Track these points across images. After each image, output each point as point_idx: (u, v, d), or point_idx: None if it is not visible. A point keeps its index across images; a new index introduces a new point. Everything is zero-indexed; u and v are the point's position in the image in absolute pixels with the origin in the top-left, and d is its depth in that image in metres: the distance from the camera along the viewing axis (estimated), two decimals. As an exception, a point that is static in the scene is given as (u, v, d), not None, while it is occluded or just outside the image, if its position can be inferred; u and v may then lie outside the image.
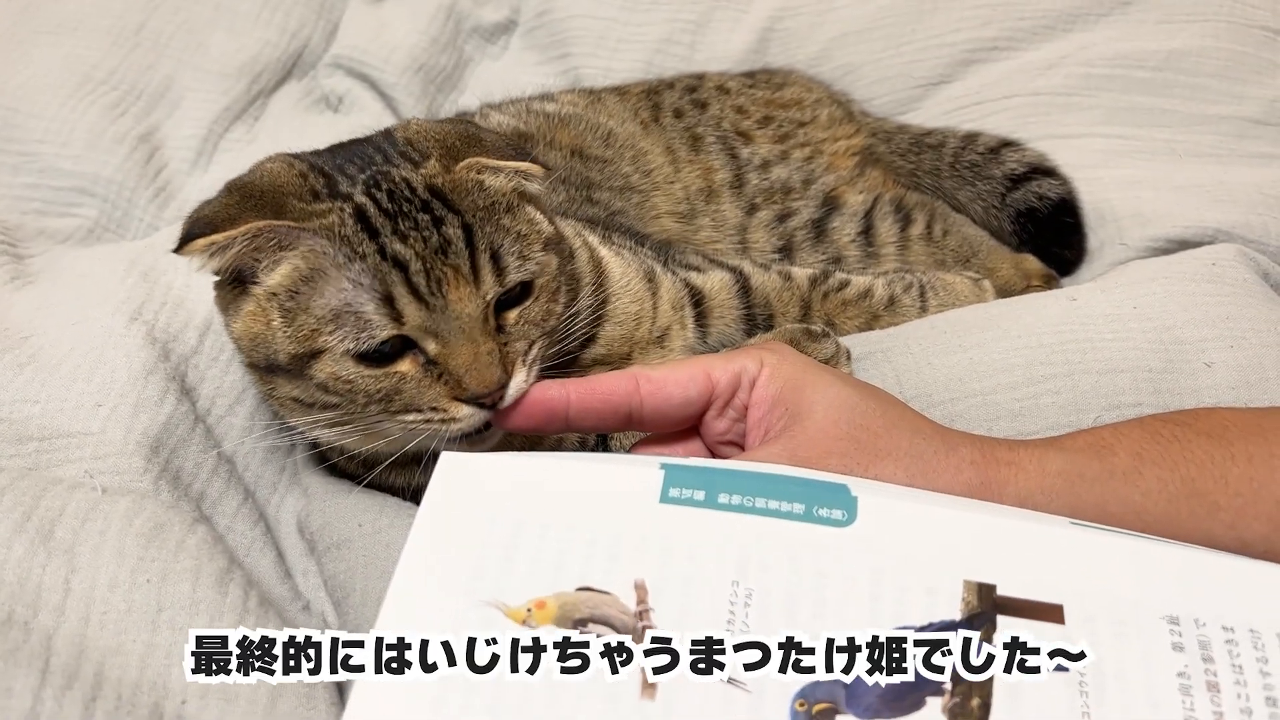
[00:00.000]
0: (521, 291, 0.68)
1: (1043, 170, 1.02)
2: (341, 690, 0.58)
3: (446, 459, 0.60)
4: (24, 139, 1.16)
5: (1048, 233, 0.98)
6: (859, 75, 1.24)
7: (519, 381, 0.66)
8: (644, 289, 0.84)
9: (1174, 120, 1.11)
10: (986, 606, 0.52)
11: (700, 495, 0.57)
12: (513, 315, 0.67)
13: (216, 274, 0.67)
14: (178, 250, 0.65)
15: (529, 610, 0.52)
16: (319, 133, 1.22)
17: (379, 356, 0.64)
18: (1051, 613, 0.52)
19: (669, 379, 0.64)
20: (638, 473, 0.59)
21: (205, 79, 1.27)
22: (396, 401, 0.65)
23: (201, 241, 0.63)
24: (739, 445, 0.65)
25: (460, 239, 0.64)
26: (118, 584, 0.56)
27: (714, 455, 0.67)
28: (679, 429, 0.67)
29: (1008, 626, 0.52)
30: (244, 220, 0.63)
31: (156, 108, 1.24)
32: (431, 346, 0.64)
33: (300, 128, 1.27)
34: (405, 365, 0.64)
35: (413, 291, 0.63)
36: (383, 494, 0.77)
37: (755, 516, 0.56)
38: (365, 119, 1.25)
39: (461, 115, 1.18)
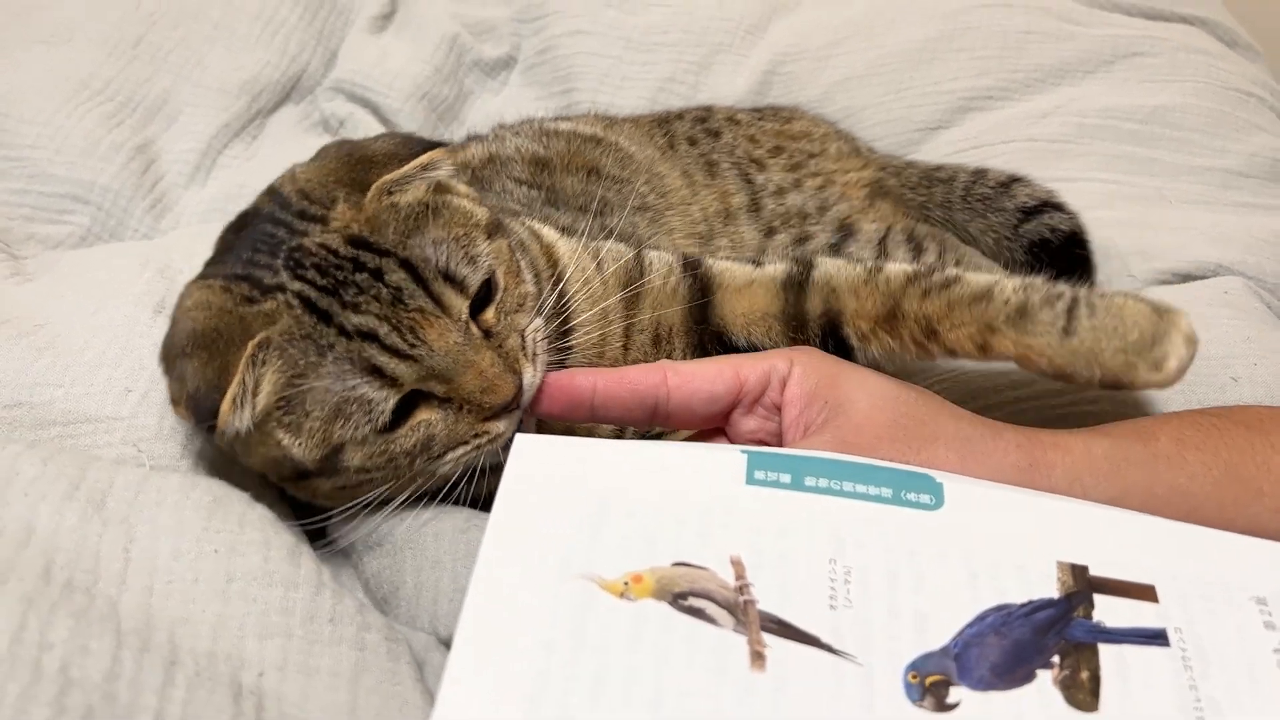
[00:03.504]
0: (488, 289, 0.66)
1: (1053, 205, 1.06)
2: (422, 666, 0.55)
3: (522, 439, 0.58)
4: (14, 144, 1.12)
5: (1060, 263, 1.01)
6: (860, 118, 1.27)
7: (530, 375, 0.65)
8: (592, 268, 0.79)
9: (1162, 170, 1.16)
10: (1082, 586, 0.53)
11: (786, 478, 0.57)
12: (490, 314, 0.66)
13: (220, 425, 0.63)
14: (213, 429, 0.62)
15: (625, 584, 0.51)
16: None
17: (397, 420, 0.63)
18: (1145, 592, 0.53)
19: (697, 373, 0.64)
20: (719, 456, 0.58)
21: (204, 94, 1.25)
22: (435, 447, 0.64)
23: (226, 404, 0.60)
24: (769, 445, 0.65)
25: (407, 279, 0.62)
26: (181, 554, 0.53)
27: None
28: (705, 426, 0.67)
29: (1105, 605, 0.52)
30: (232, 362, 0.60)
31: (154, 120, 1.21)
32: (439, 388, 0.63)
33: (301, 149, 1.24)
34: (425, 413, 0.63)
35: (393, 352, 0.61)
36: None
37: (845, 499, 0.56)
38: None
39: (473, 136, 1.18)
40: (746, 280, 0.76)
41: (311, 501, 0.70)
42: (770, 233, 1.05)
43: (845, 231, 1.05)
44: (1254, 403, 0.79)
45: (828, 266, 0.74)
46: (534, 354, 0.67)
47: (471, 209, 0.68)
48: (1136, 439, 0.61)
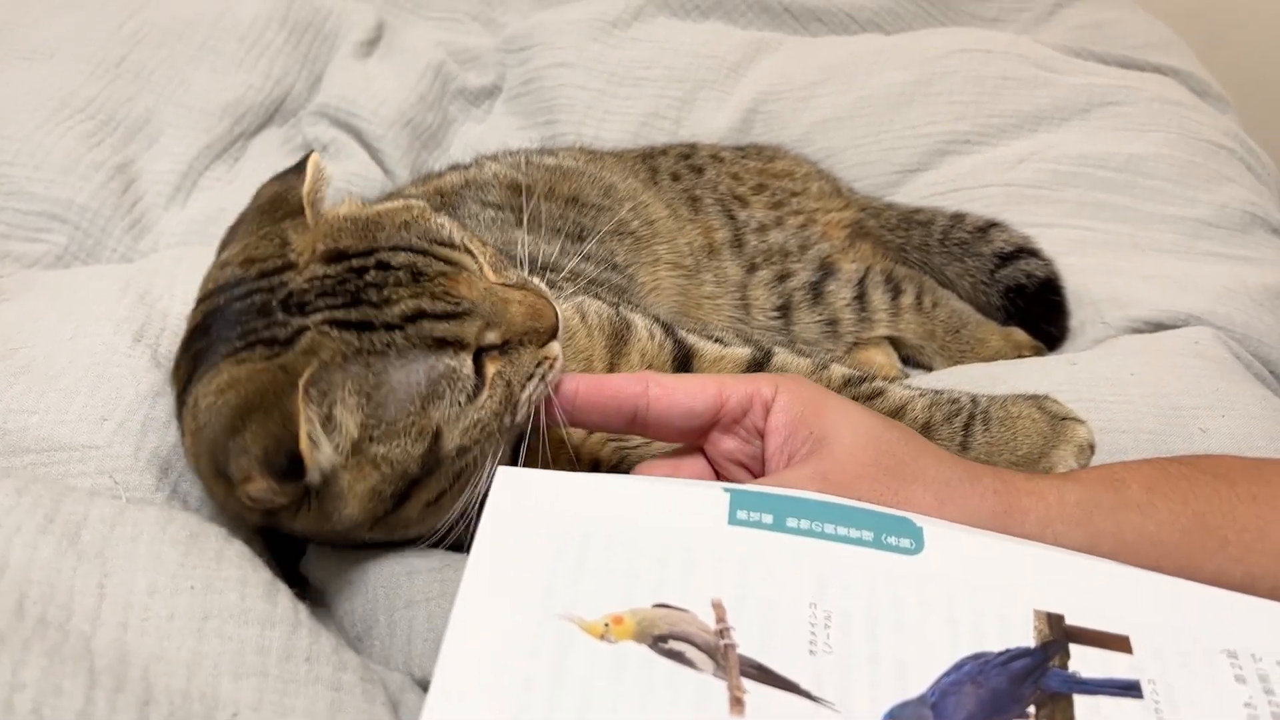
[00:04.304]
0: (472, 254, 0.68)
1: (1028, 251, 1.08)
2: (396, 708, 0.55)
3: (504, 474, 0.58)
4: (-9, 160, 1.12)
5: (1035, 308, 1.02)
6: (840, 158, 1.29)
7: (558, 307, 0.68)
8: (579, 326, 0.80)
9: (1135, 218, 1.18)
10: (1058, 635, 0.53)
11: (769, 519, 0.57)
12: (489, 273, 0.68)
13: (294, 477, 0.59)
14: (289, 479, 0.58)
15: (606, 625, 0.51)
16: (302, 178, 1.22)
17: (476, 385, 0.63)
18: (1119, 643, 0.53)
19: (679, 387, 0.64)
20: (702, 494, 0.58)
21: (186, 115, 1.25)
22: (516, 393, 0.65)
23: (304, 444, 0.57)
24: (747, 467, 0.66)
25: (412, 256, 0.64)
26: (157, 590, 0.52)
27: (720, 474, 0.67)
28: (683, 440, 0.67)
29: (1080, 654, 0.52)
30: (291, 407, 0.57)
31: (135, 139, 1.21)
32: (494, 336, 0.64)
33: (282, 172, 1.25)
34: (494, 365, 0.64)
35: (445, 318, 0.62)
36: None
37: (826, 541, 0.56)
38: (352, 166, 1.25)
39: (453, 165, 1.18)
40: (717, 355, 0.81)
41: (389, 539, 0.68)
42: (752, 269, 1.06)
43: (825, 270, 1.06)
44: (1222, 453, 0.81)
45: (783, 356, 0.81)
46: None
47: (403, 203, 0.70)
48: (1108, 486, 0.62)
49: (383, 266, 0.63)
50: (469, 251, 0.67)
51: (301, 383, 0.58)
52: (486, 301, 0.64)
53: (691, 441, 0.67)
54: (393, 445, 0.61)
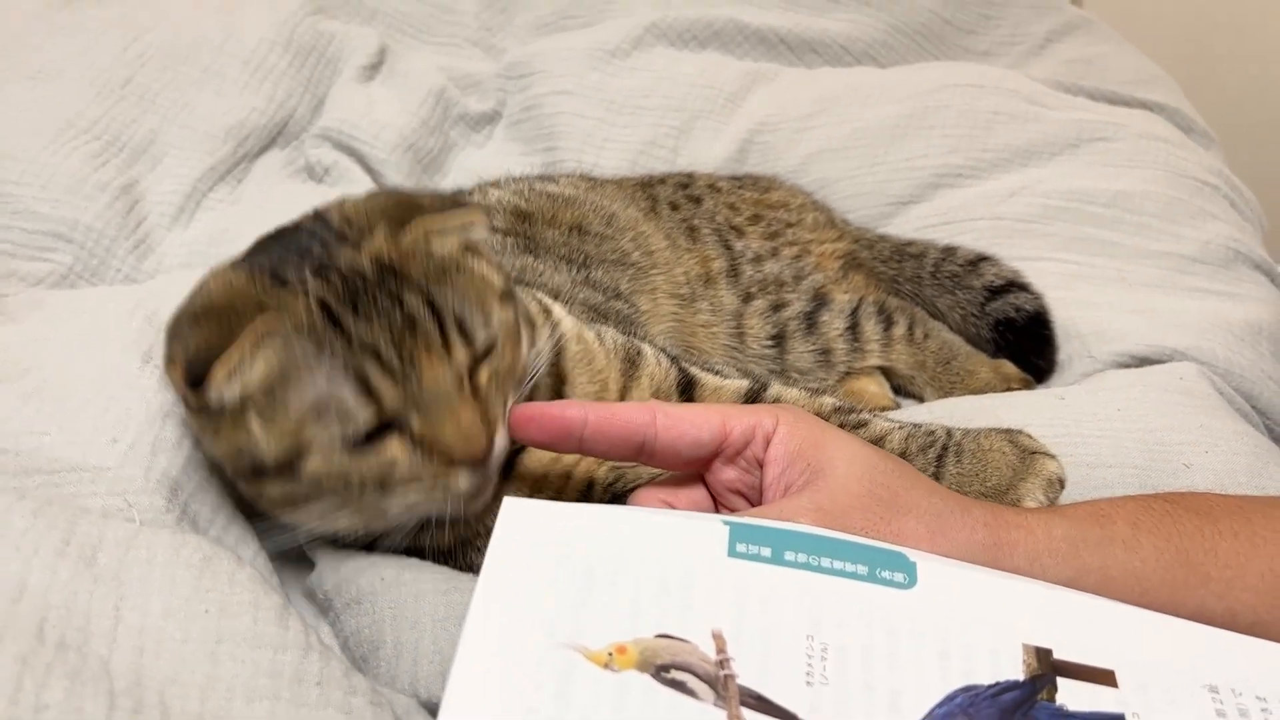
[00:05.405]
0: (488, 351, 0.69)
1: (1018, 285, 1.10)
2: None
3: (510, 503, 0.60)
4: (-2, 179, 1.13)
5: (1024, 342, 1.05)
6: (834, 189, 1.31)
7: (501, 440, 0.67)
8: (598, 349, 0.83)
9: (1122, 253, 1.21)
10: (1046, 669, 0.55)
11: (767, 552, 0.59)
12: (484, 374, 0.68)
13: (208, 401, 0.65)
14: (196, 388, 0.64)
15: (610, 654, 0.52)
16: (303, 201, 1.22)
17: (367, 441, 0.64)
18: (1105, 677, 0.55)
19: (685, 417, 0.66)
20: (702, 527, 0.60)
21: (190, 137, 1.26)
22: (392, 482, 0.65)
23: (221, 370, 0.62)
24: (745, 496, 0.67)
25: (424, 312, 0.65)
26: (172, 613, 0.53)
27: (719, 502, 0.69)
28: (688, 469, 0.68)
29: (1067, 688, 0.54)
30: (238, 332, 0.62)
31: (139, 161, 1.22)
32: (416, 424, 0.64)
33: (285, 195, 1.26)
34: (394, 447, 0.65)
35: (388, 373, 0.63)
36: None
37: (822, 575, 0.58)
38: (354, 190, 1.26)
39: (458, 192, 1.20)
40: (715, 386, 0.83)
41: (254, 503, 0.71)
42: (748, 298, 1.08)
43: (819, 300, 1.08)
44: (1205, 489, 0.83)
45: (778, 388, 0.83)
46: (506, 421, 0.68)
47: (492, 275, 0.71)
48: (1094, 522, 0.64)
49: (396, 300, 0.64)
50: (493, 348, 0.68)
51: (260, 319, 0.62)
52: (434, 394, 0.64)
53: (695, 470, 0.68)
54: (265, 428, 0.64)
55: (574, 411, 0.66)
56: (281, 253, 0.69)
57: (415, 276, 0.66)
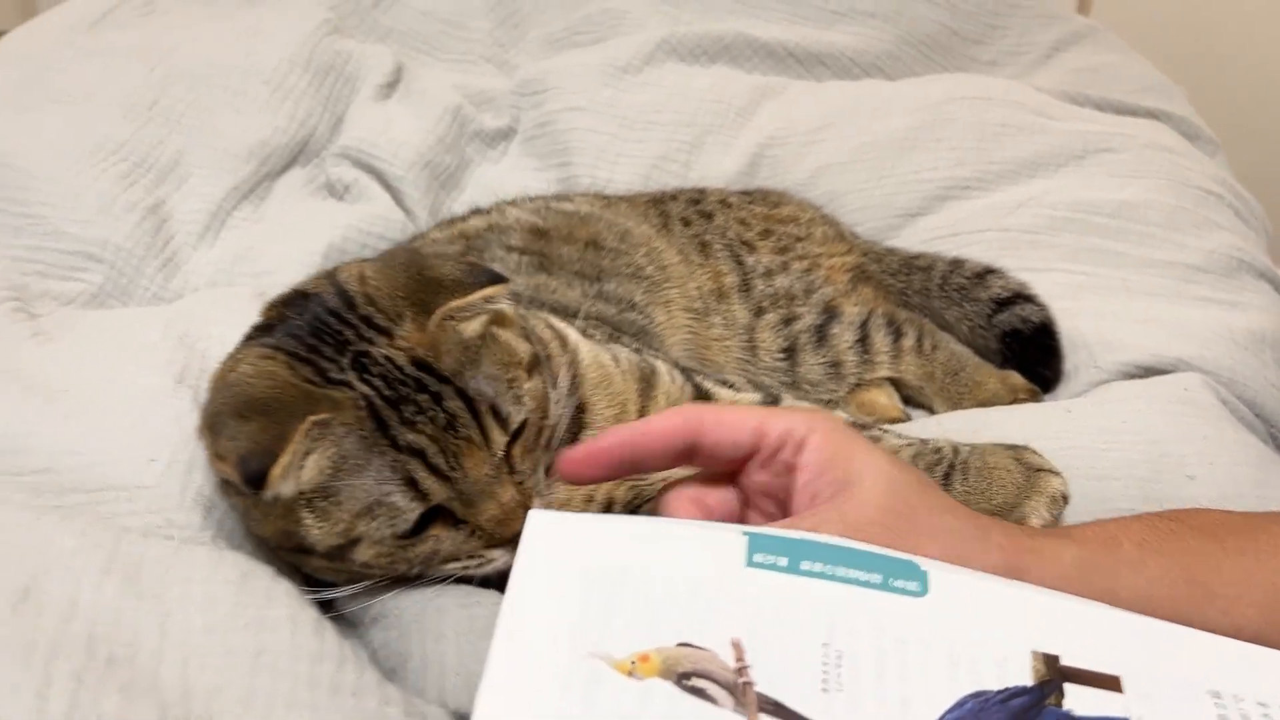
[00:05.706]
0: (521, 426, 0.71)
1: (1024, 296, 1.12)
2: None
3: (535, 516, 0.62)
4: (29, 200, 1.15)
5: (1031, 352, 1.06)
6: (843, 202, 1.33)
7: (538, 505, 0.71)
8: (615, 371, 0.84)
9: (1127, 263, 1.22)
10: (1054, 675, 0.57)
11: (784, 562, 0.61)
12: (517, 450, 0.71)
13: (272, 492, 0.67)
14: (258, 489, 0.65)
15: (633, 663, 0.54)
16: (325, 218, 1.27)
17: (416, 529, 0.68)
18: (1111, 682, 0.57)
19: (725, 419, 0.67)
20: (722, 537, 0.62)
21: (214, 157, 1.29)
22: (435, 560, 0.70)
23: (277, 470, 0.64)
24: (775, 499, 0.68)
25: (463, 410, 0.68)
26: (213, 628, 0.56)
27: (749, 504, 0.70)
28: (726, 468, 0.69)
29: (1074, 693, 0.56)
30: (290, 432, 0.64)
31: (165, 181, 1.25)
32: (459, 509, 0.68)
33: (307, 213, 1.29)
34: (438, 530, 0.69)
35: (434, 472, 0.67)
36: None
37: (837, 584, 0.60)
38: (375, 208, 1.29)
39: (475, 209, 1.23)
40: (730, 400, 0.86)
41: (299, 568, 0.74)
42: (760, 312, 1.11)
43: (829, 313, 1.10)
44: (1209, 500, 0.84)
45: (790, 402, 0.88)
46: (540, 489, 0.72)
47: (518, 346, 0.73)
48: (1102, 545, 0.66)
49: (436, 399, 0.67)
50: (526, 422, 0.70)
51: (311, 420, 0.64)
52: (477, 484, 0.68)
53: (730, 469, 0.69)
54: (317, 522, 0.67)
55: (613, 440, 0.67)
56: (312, 339, 0.69)
57: (449, 369, 0.68)
